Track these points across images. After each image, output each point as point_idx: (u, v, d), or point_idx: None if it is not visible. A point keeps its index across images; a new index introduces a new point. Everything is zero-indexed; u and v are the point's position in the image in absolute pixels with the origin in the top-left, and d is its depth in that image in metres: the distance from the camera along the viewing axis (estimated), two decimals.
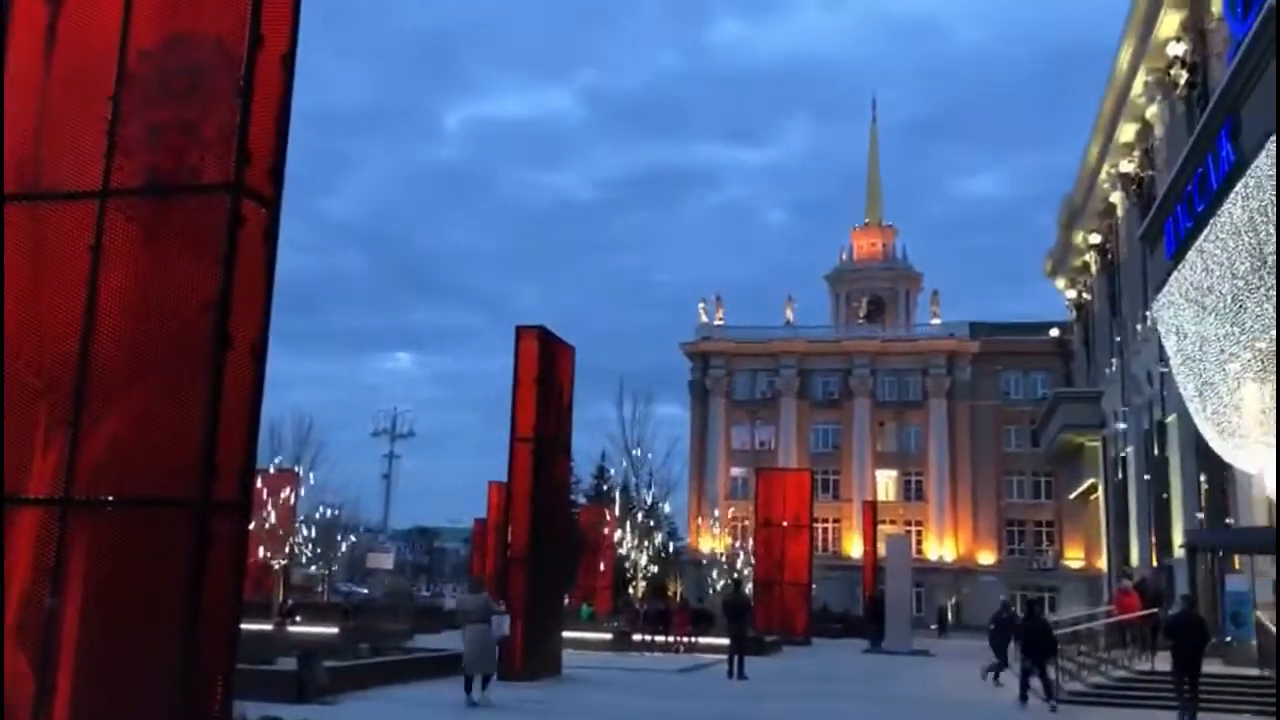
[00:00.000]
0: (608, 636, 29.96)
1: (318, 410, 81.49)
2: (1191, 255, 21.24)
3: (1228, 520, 25.39)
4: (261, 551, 38.87)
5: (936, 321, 73.48)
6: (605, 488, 57.65)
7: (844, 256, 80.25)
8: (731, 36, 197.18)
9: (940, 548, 69.34)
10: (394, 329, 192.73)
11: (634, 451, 51.47)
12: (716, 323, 76.17)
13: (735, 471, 72.87)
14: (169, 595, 5.68)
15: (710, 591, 53.12)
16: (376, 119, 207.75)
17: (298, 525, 43.26)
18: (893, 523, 62.71)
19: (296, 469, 44.18)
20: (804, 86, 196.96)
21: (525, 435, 19.64)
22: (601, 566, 45.02)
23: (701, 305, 76.98)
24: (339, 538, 48.08)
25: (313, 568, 48.60)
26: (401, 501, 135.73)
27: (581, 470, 65.06)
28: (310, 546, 45.19)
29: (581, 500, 60.82)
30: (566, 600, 30.27)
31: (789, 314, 75.52)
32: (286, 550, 41.87)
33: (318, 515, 45.67)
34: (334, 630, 25.79)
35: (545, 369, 20.11)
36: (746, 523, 51.69)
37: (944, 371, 71.36)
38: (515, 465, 19.78)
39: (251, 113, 6.14)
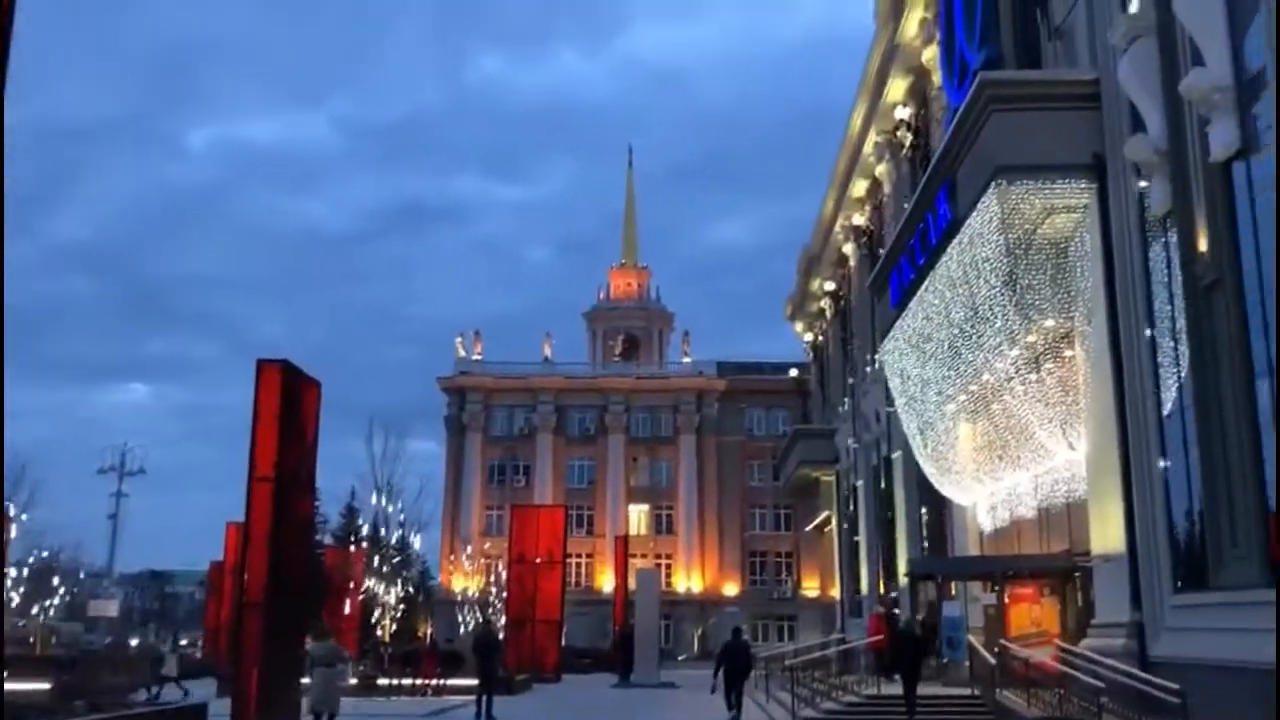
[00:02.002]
0: (352, 681, 28.90)
1: (36, 445, 75.02)
2: (914, 304, 22.83)
3: (945, 550, 27.32)
4: None
5: (687, 360, 75.77)
6: (354, 527, 55.74)
7: (601, 295, 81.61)
8: (492, 74, 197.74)
9: (688, 580, 71.11)
10: (127, 359, 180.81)
11: (384, 489, 50.07)
12: (474, 358, 75.58)
13: (490, 508, 72.28)
14: None
15: (462, 631, 52.31)
16: (113, 134, 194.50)
17: (5, 570, 39.50)
18: (644, 556, 63.79)
19: (7, 508, 40.42)
20: (564, 127, 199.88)
21: (265, 474, 18.73)
22: (347, 608, 43.45)
23: (459, 340, 76.21)
24: (56, 583, 44.23)
25: (21, 620, 44.45)
26: (132, 543, 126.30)
27: (329, 509, 62.75)
28: (20, 593, 41.35)
29: (328, 540, 58.57)
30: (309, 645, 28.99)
31: (547, 350, 75.93)
32: None
33: (31, 559, 41.91)
34: (46, 686, 23.57)
35: (288, 404, 19.29)
36: (500, 560, 51.25)
37: (694, 408, 73.59)
38: (253, 505, 18.82)
39: None
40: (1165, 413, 15.11)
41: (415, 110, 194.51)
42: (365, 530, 49.88)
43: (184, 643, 52.15)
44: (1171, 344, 14.91)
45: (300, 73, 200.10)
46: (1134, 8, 15.29)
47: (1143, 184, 15.54)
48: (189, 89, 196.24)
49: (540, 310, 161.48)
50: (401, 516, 49.15)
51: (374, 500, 47.32)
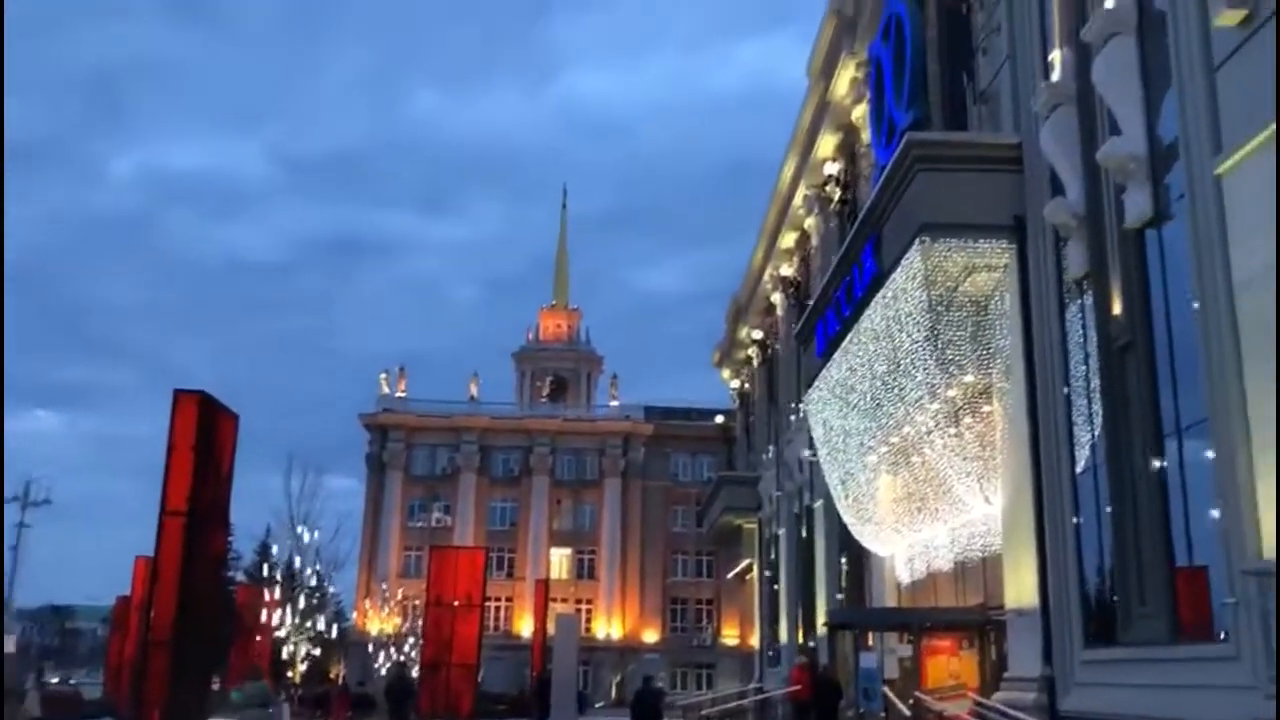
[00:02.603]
0: None
1: None
2: (838, 355, 23.12)
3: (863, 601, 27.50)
4: None
5: (615, 403, 75.83)
6: (268, 564, 54.47)
7: (531, 336, 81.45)
8: (428, 110, 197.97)
9: (609, 626, 70.64)
10: (35, 384, 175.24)
11: (301, 527, 49.04)
12: (398, 395, 74.76)
13: (409, 549, 71.20)
14: None
15: (375, 674, 51.20)
16: (35, 156, 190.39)
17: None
18: (564, 601, 63.28)
19: None
20: (498, 168, 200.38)
21: (177, 508, 18.20)
22: (257, 650, 42.29)
23: (384, 376, 75.40)
24: None
25: None
26: (33, 577, 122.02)
27: (243, 546, 61.38)
28: None
29: (241, 578, 57.17)
30: (218, 685, 28.20)
31: (473, 390, 75.44)
32: None
33: None
34: None
35: (204, 436, 18.82)
36: (418, 602, 50.42)
37: (619, 452, 73.53)
38: (164, 540, 18.25)
39: None
40: (1079, 470, 15.45)
41: (349, 143, 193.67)
42: (279, 568, 48.77)
43: (53, 680, 49.98)
44: (1086, 403, 15.29)
45: (233, 100, 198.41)
46: (1055, 76, 15.80)
47: (1062, 247, 15.99)
48: (117, 113, 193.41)
49: (467, 349, 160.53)
50: (317, 555, 48.23)
51: (289, 538, 46.40)
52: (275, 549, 54.36)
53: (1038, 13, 17.10)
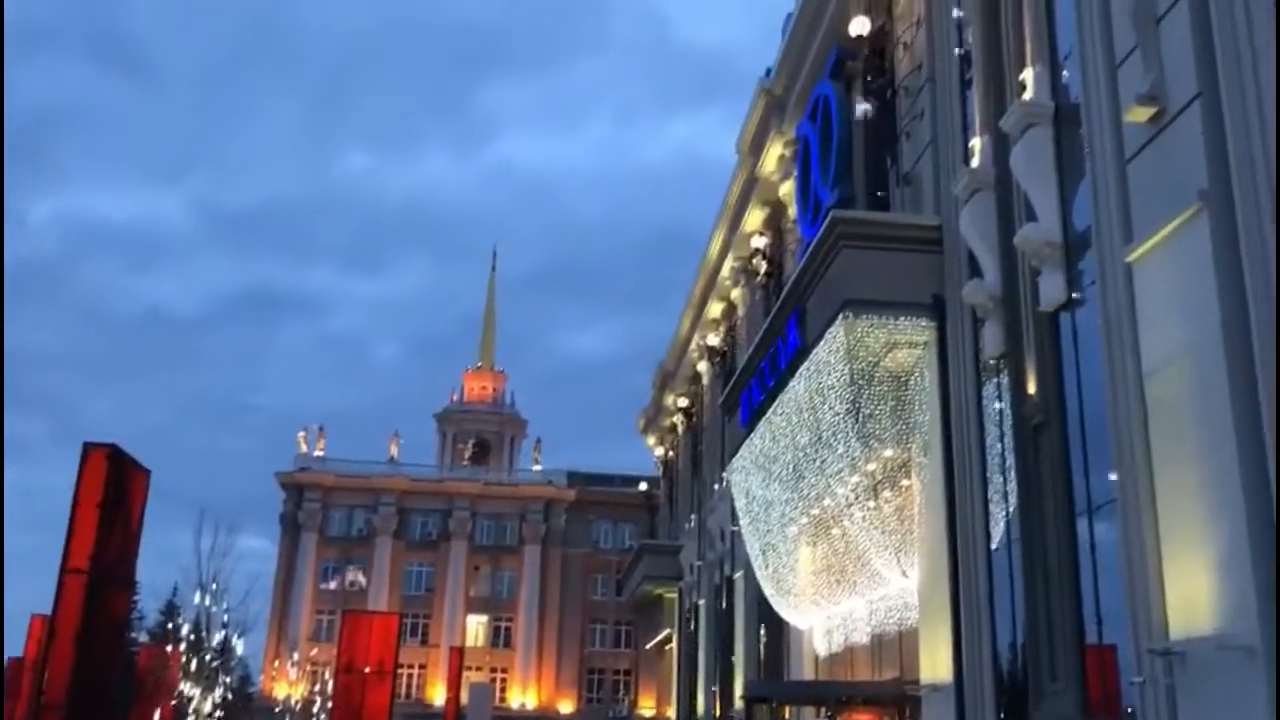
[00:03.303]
0: None
1: None
2: (762, 425, 23.29)
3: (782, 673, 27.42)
4: None
5: (538, 468, 75.27)
6: (173, 625, 52.58)
7: (455, 397, 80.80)
8: (358, 168, 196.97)
9: (524, 695, 69.39)
10: None
11: (209, 587, 47.51)
12: (317, 454, 73.36)
13: (321, 612, 69.42)
14: None
15: None
16: None
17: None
18: (479, 669, 62.11)
19: None
20: (427, 228, 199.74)
21: (79, 566, 17.54)
22: (158, 715, 40.68)
23: (302, 434, 73.99)
24: None
25: None
26: None
27: (148, 605, 59.26)
28: None
29: (144, 638, 55.11)
30: None
31: (394, 450, 74.35)
32: None
33: None
34: None
35: (113, 492, 18.23)
36: (328, 667, 49.05)
37: (541, 518, 72.85)
38: (63, 599, 17.56)
39: None
40: (994, 546, 15.69)
41: (276, 197, 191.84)
42: (185, 630, 47.10)
43: None
44: (1001, 480, 15.58)
45: (158, 150, 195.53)
46: (975, 163, 16.32)
47: (979, 327, 16.39)
48: (37, 159, 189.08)
49: (389, 409, 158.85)
50: (226, 617, 46.70)
51: (196, 598, 44.89)
52: (181, 610, 52.56)
53: (959, 101, 17.71)
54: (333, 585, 70.70)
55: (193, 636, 45.86)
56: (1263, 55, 10.01)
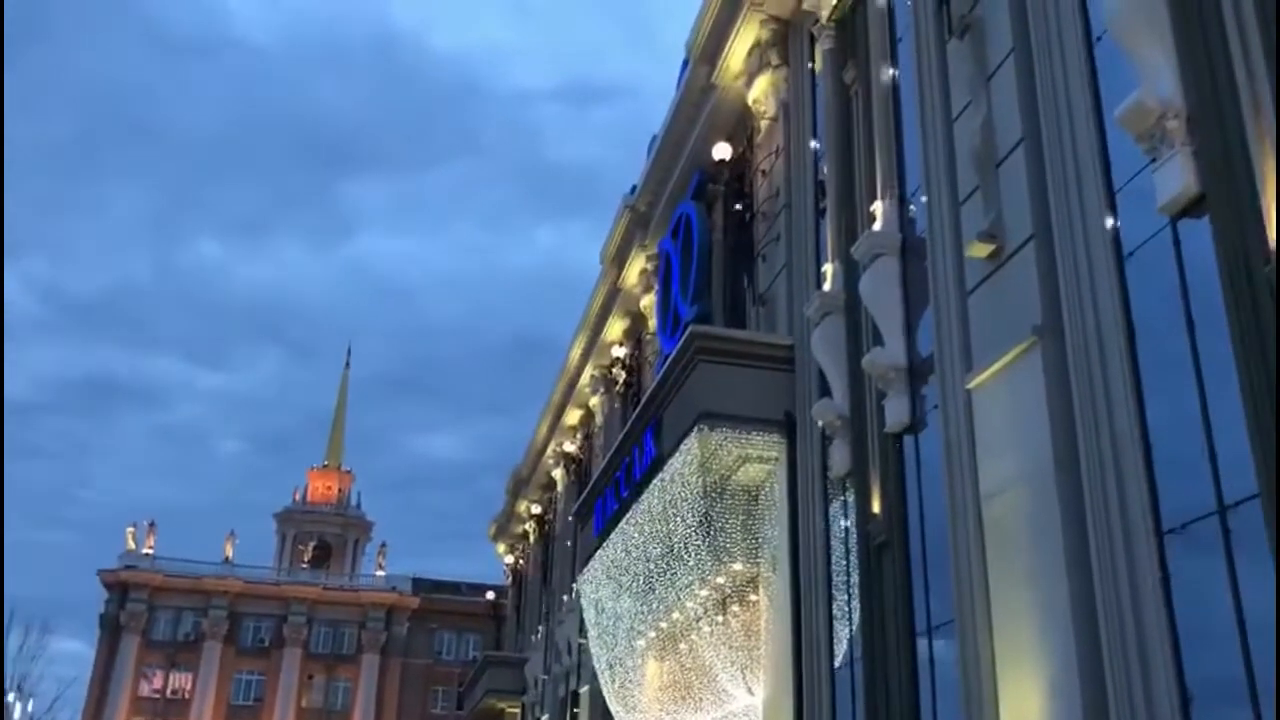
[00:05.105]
0: None
1: None
2: (615, 535, 23.16)
3: None
4: None
5: (381, 574, 72.93)
6: None
7: (297, 496, 78.08)
8: (208, 258, 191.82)
9: None
10: None
11: (15, 692, 44.03)
12: (145, 551, 69.47)
13: None
14: None
15: None
16: None
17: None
18: None
19: None
20: (277, 323, 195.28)
21: None
22: None
23: (131, 530, 70.10)
24: None
25: None
26: None
27: None
28: None
29: None
30: None
31: (229, 550, 71.04)
32: None
33: None
34: None
35: None
36: None
37: (381, 625, 70.34)
38: None
39: None
40: (837, 664, 15.81)
41: (120, 283, 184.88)
42: None
43: None
44: (846, 598, 15.78)
45: None
46: (827, 287, 16.92)
47: (828, 444, 16.79)
48: None
49: (228, 507, 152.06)
50: None
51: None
52: None
53: (813, 228, 18.44)
54: (154, 692, 66.33)
55: None
56: (1090, 201, 10.77)
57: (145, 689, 66.62)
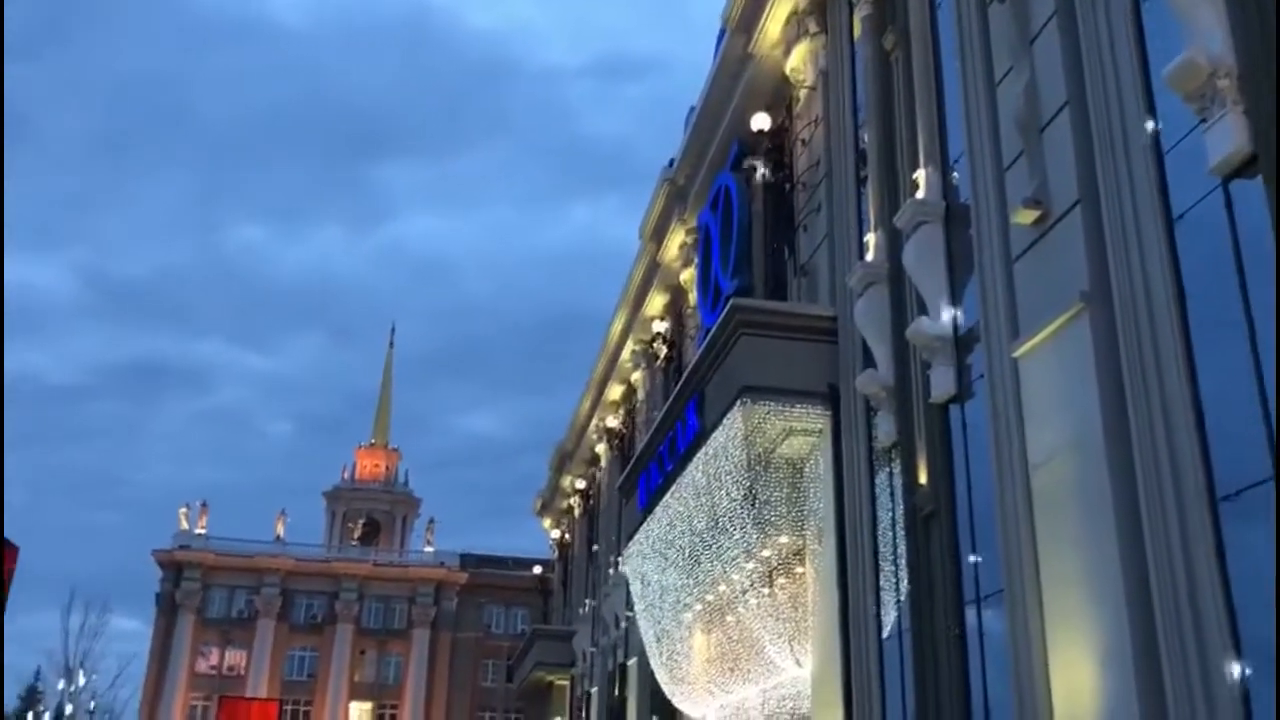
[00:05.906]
0: None
1: None
2: (659, 510, 23.22)
3: None
4: None
5: (429, 549, 73.70)
6: (35, 711, 49.70)
7: (346, 474, 78.99)
8: (251, 242, 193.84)
9: None
10: None
11: (78, 670, 45.16)
12: (198, 531, 70.73)
13: (197, 698, 66.29)
14: None
15: None
16: None
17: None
18: None
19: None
20: (320, 305, 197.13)
21: None
22: None
23: (184, 511, 71.34)
24: None
25: None
26: None
27: (8, 691, 55.90)
28: None
29: None
30: None
31: (280, 529, 72.13)
32: None
33: None
34: None
35: None
36: None
37: (431, 600, 71.16)
38: None
39: None
40: (885, 635, 15.78)
41: (165, 268, 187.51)
42: (47, 718, 44.61)
43: None
44: (893, 569, 15.73)
45: (39, 219, 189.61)
46: (870, 257, 16.77)
47: (872, 416, 16.69)
48: None
49: (276, 487, 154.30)
50: (93, 704, 44.38)
51: (61, 683, 42.61)
52: (44, 695, 49.75)
53: (854, 197, 18.26)
54: (210, 669, 67.66)
55: None
56: (1137, 164, 10.57)
57: (202, 665, 67.94)
